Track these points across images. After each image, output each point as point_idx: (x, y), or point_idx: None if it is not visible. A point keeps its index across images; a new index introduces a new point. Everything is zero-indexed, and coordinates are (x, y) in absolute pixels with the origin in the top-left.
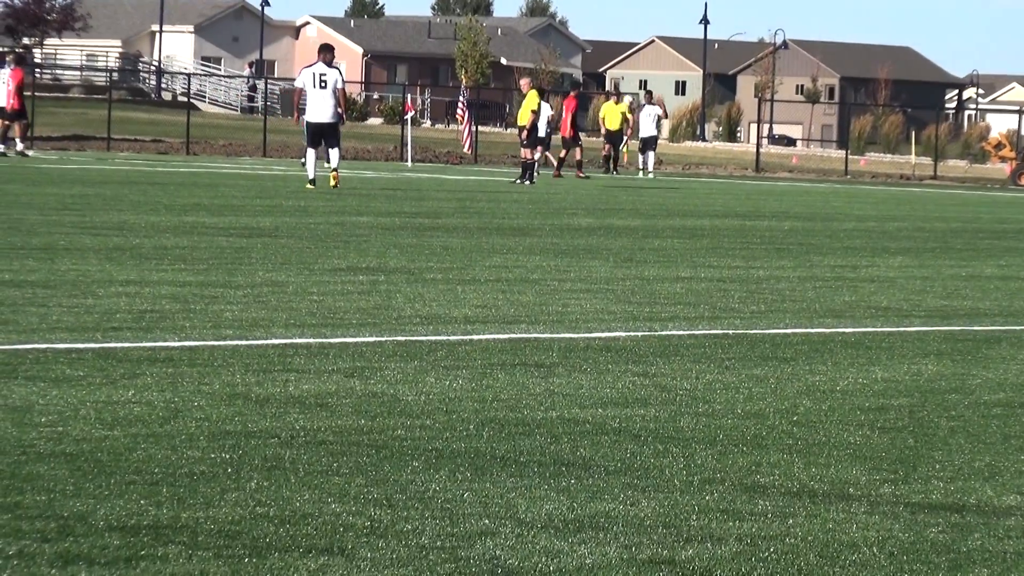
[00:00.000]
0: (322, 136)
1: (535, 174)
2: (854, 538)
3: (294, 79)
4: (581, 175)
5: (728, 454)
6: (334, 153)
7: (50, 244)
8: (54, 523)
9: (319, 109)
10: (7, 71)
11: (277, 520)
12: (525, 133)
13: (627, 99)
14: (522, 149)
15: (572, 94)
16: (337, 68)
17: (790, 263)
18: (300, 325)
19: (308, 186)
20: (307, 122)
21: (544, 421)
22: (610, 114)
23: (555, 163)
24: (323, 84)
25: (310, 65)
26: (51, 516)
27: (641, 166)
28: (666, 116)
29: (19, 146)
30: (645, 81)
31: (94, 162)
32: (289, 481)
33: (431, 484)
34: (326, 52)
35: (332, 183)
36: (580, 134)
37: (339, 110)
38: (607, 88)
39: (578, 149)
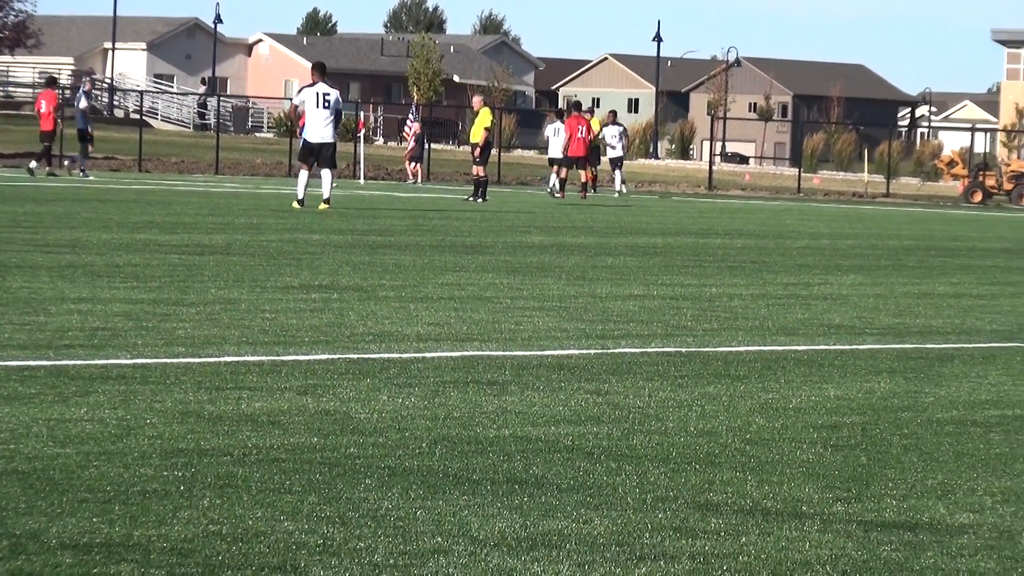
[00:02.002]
0: (317, 156)
1: (487, 191)
2: (807, 556)
3: (247, 96)
4: (584, 196)
5: (681, 472)
6: (327, 175)
7: (1, 262)
8: (6, 541)
9: (320, 129)
10: None
11: (230, 538)
12: (477, 151)
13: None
14: (474, 167)
15: (576, 114)
16: (336, 89)
17: (743, 281)
18: (253, 343)
19: (295, 205)
20: (304, 140)
21: (497, 439)
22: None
23: (580, 185)
24: (326, 104)
25: (311, 84)
26: (3, 534)
27: (618, 187)
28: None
29: (33, 164)
30: (598, 99)
31: (45, 179)
32: (242, 499)
33: (384, 502)
34: (321, 71)
35: (322, 206)
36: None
37: (337, 130)
38: (560, 105)
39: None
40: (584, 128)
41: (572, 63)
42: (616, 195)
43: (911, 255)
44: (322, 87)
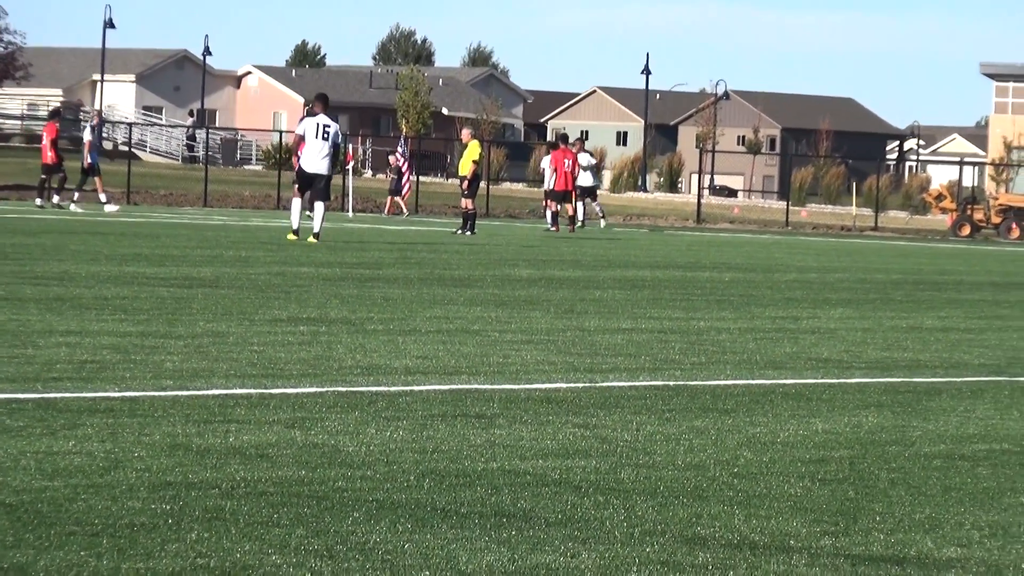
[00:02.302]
0: (311, 187)
1: (476, 224)
2: None
3: (235, 129)
4: (572, 230)
5: (668, 506)
6: (320, 207)
7: None
8: None
9: (316, 160)
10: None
11: (218, 571)
12: (466, 184)
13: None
14: (463, 199)
15: (563, 147)
16: (337, 121)
17: (731, 314)
18: (241, 376)
19: (291, 236)
20: (300, 169)
21: (485, 472)
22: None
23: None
24: (325, 135)
25: (313, 115)
26: None
27: (599, 216)
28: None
29: (55, 199)
30: (587, 131)
31: (35, 211)
32: (230, 532)
33: (372, 535)
34: (324, 103)
35: (311, 239)
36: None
37: (334, 163)
38: (549, 139)
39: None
40: (570, 162)
41: (561, 96)
42: (603, 224)
43: (899, 289)
44: (323, 119)
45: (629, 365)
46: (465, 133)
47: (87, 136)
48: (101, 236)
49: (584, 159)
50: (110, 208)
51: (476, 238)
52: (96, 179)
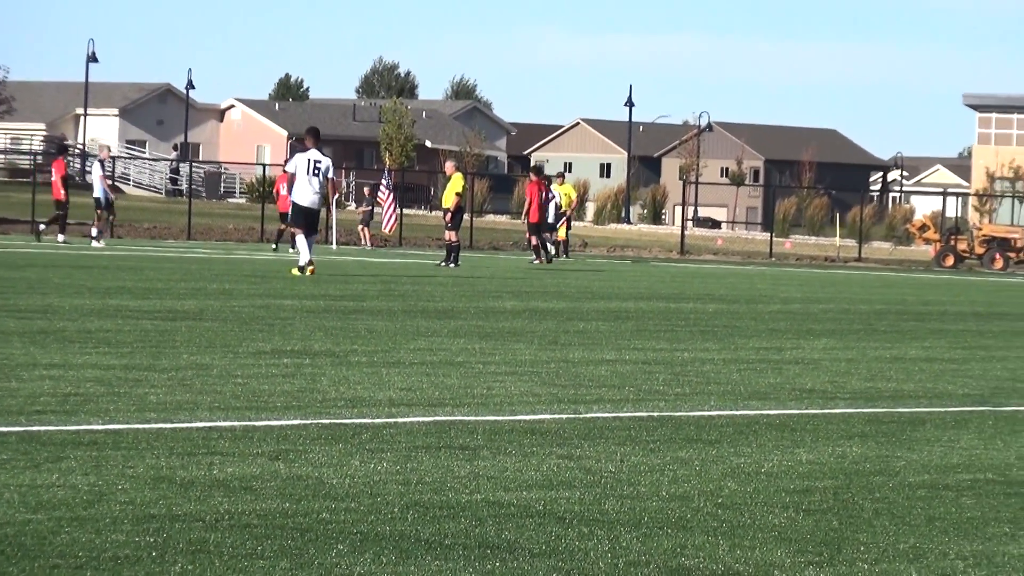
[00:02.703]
0: (308, 220)
1: (459, 256)
2: None
3: (219, 162)
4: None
5: (653, 536)
6: (308, 240)
7: None
8: None
9: (309, 194)
10: None
11: None
12: (449, 216)
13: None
14: (446, 232)
15: (536, 179)
16: (329, 156)
17: (715, 345)
18: (225, 408)
19: (310, 269)
20: (294, 204)
21: (469, 504)
22: (563, 196)
23: (544, 250)
24: (316, 171)
25: (304, 150)
26: None
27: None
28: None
29: (60, 237)
30: (570, 163)
31: (18, 245)
32: (214, 565)
33: (356, 567)
34: (315, 137)
35: (295, 272)
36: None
37: (324, 198)
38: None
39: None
40: (545, 193)
41: (544, 128)
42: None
43: (883, 319)
44: (314, 154)
45: (613, 396)
46: (448, 166)
47: (98, 171)
48: (85, 269)
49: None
50: (97, 244)
51: (460, 270)
52: (98, 212)
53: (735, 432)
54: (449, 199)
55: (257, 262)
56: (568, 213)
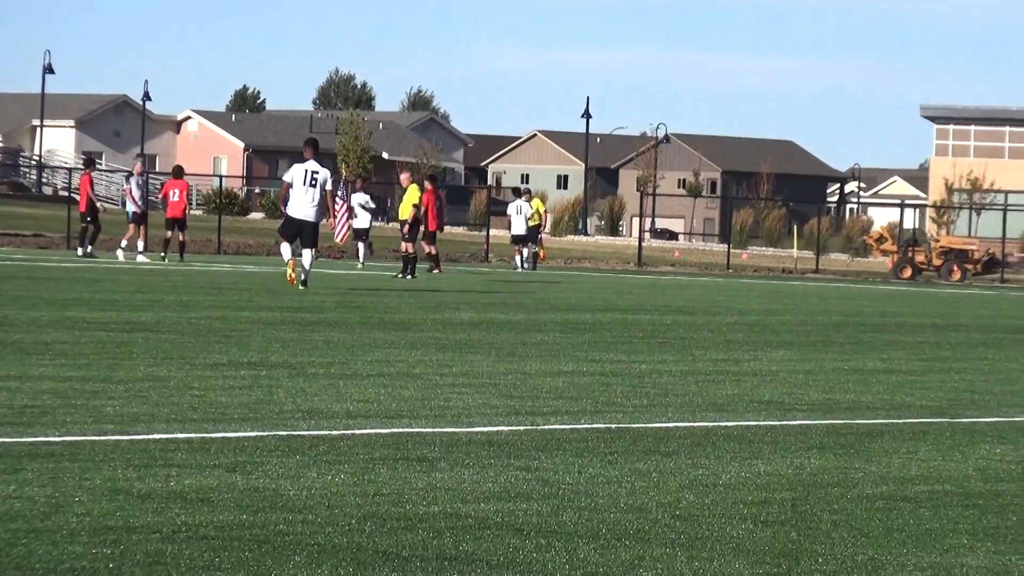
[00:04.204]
0: (300, 233)
1: (416, 268)
2: None
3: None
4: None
5: (611, 548)
6: (308, 254)
7: None
8: None
9: (304, 206)
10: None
11: None
12: (406, 227)
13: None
14: (403, 243)
15: (431, 188)
16: (327, 167)
17: (672, 357)
18: (182, 420)
19: (290, 273)
20: (288, 216)
21: (427, 516)
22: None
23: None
24: (313, 182)
25: (302, 161)
26: None
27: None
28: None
29: (88, 248)
30: (527, 175)
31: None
32: None
33: None
34: (314, 148)
35: (293, 282)
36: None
37: (322, 210)
38: (489, 182)
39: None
40: (441, 203)
41: (501, 139)
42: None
43: (840, 331)
44: (311, 164)
45: (571, 408)
46: (404, 177)
47: (129, 185)
48: (41, 281)
49: (362, 197)
50: (124, 255)
51: (417, 282)
52: (131, 226)
53: (693, 444)
54: (406, 211)
55: (213, 274)
56: (540, 227)
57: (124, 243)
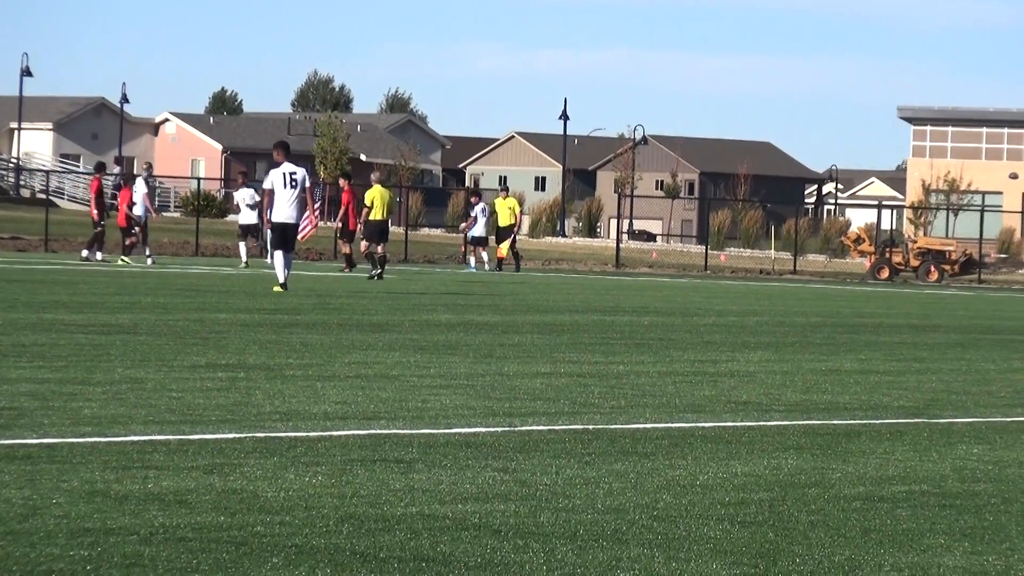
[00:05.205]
0: (286, 236)
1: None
2: None
3: (153, 176)
4: (348, 270)
5: (588, 549)
6: (285, 256)
7: None
8: None
9: (285, 208)
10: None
11: None
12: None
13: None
14: (363, 244)
15: (348, 187)
16: (304, 168)
17: (650, 358)
18: (159, 422)
19: (276, 288)
20: (273, 223)
21: (404, 517)
22: (501, 210)
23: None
24: (293, 184)
25: (277, 165)
26: None
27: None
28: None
29: (99, 255)
30: (505, 177)
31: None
32: None
33: None
34: (285, 150)
35: (277, 289)
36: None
37: (301, 209)
38: (468, 184)
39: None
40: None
41: (479, 141)
42: (243, 265)
43: (818, 332)
44: (288, 166)
45: (548, 409)
46: (373, 177)
47: (142, 188)
48: (19, 283)
49: (246, 193)
50: (148, 261)
51: (392, 284)
52: (136, 229)
53: (670, 445)
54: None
55: (191, 276)
56: (515, 227)
57: (147, 250)
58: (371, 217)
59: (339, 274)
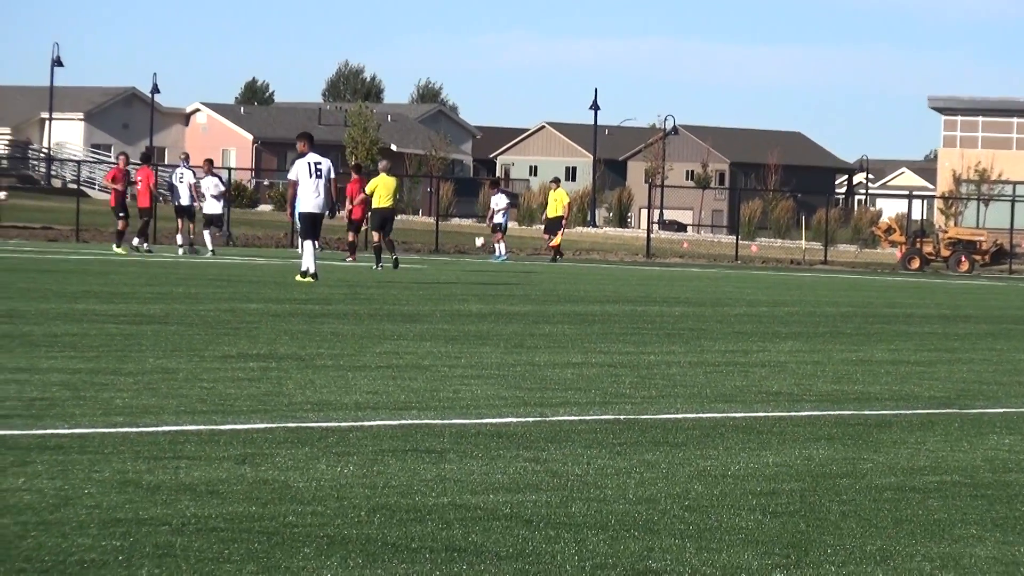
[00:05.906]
0: (315, 226)
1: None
2: None
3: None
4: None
5: (620, 539)
6: (313, 245)
7: None
8: None
9: (311, 198)
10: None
11: None
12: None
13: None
14: (373, 234)
15: (356, 177)
16: (328, 157)
17: (681, 348)
18: (191, 412)
19: (298, 277)
20: (300, 213)
21: (436, 507)
22: (554, 201)
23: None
24: (318, 173)
25: (302, 155)
26: None
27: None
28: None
29: (135, 241)
30: (536, 167)
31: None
32: (180, 569)
33: (323, 571)
34: (309, 140)
35: (299, 279)
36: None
37: (327, 199)
38: (499, 174)
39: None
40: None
41: (509, 131)
42: (209, 253)
43: (849, 322)
44: (312, 156)
45: (579, 399)
46: (380, 166)
47: (189, 179)
48: (50, 274)
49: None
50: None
51: (423, 274)
52: (180, 220)
53: (701, 435)
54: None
55: (222, 265)
56: (563, 219)
57: (180, 239)
58: (374, 205)
59: (343, 263)
